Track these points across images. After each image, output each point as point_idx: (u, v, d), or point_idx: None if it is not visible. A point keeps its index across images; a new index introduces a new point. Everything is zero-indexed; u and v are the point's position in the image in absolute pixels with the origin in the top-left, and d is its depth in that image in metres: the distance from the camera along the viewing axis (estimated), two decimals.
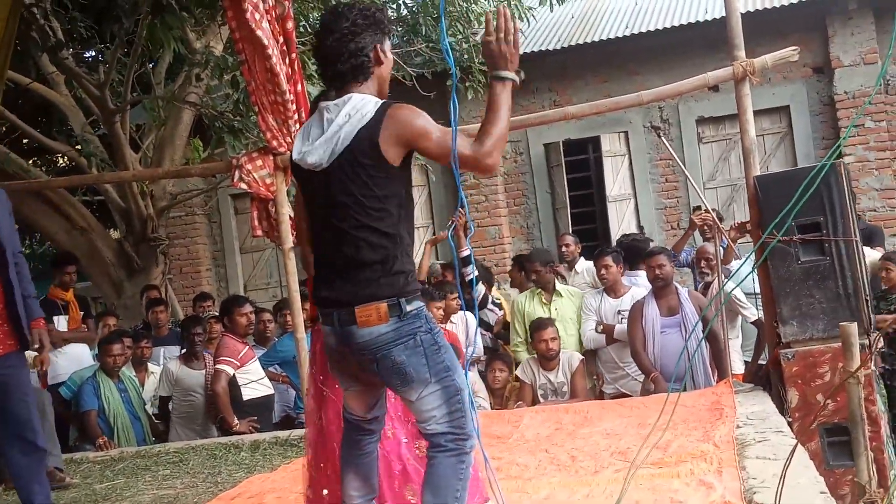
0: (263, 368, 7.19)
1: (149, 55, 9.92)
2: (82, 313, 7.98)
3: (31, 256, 15.57)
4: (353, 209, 2.91)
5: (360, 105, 2.90)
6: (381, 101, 2.93)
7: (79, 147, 10.24)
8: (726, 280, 6.14)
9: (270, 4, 6.06)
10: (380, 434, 3.26)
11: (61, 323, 7.59)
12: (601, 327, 6.85)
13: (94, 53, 10.54)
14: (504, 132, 2.89)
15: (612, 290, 6.92)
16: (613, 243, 10.51)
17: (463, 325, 7.17)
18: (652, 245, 7.81)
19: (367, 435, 3.21)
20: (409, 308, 2.91)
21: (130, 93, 9.32)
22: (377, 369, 2.95)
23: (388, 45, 3.06)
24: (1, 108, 9.50)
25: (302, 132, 3.07)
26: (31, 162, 11.16)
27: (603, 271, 6.90)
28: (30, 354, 6.47)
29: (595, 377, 7.01)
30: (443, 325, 7.15)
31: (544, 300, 7.21)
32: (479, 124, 2.92)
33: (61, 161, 13.24)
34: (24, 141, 11.70)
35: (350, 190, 2.90)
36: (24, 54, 8.86)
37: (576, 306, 7.14)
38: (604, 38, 11.22)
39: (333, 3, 7.58)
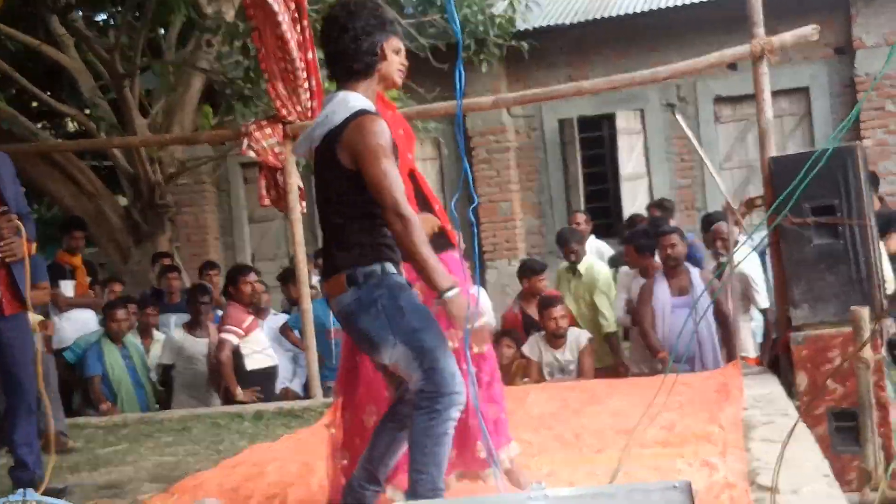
0: (289, 331, 7.24)
1: (160, 20, 9.84)
2: (89, 279, 7.97)
3: (38, 221, 15.53)
4: (324, 194, 3.17)
5: (338, 108, 3.10)
6: (353, 110, 3.06)
7: (88, 111, 10.20)
8: (738, 261, 6.06)
9: None
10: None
11: (68, 288, 7.59)
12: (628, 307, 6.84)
13: (105, 17, 10.48)
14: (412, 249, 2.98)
15: (644, 271, 6.83)
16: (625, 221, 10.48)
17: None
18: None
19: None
20: (366, 275, 3.04)
21: (141, 58, 9.26)
22: (351, 336, 3.21)
23: (394, 42, 3.21)
24: (9, 69, 9.46)
25: None
26: (39, 125, 11.13)
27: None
28: (34, 318, 6.47)
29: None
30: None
31: (568, 276, 7.38)
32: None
33: (70, 125, 13.21)
34: (34, 104, 11.66)
35: (321, 180, 3.17)
36: (34, 15, 8.80)
37: (589, 283, 7.16)
38: (622, 13, 11.06)
39: None
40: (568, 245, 7.33)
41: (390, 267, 3.08)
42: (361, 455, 3.30)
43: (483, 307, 7.33)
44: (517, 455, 3.63)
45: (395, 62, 3.23)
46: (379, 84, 3.22)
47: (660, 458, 3.91)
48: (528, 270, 7.29)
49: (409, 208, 2.98)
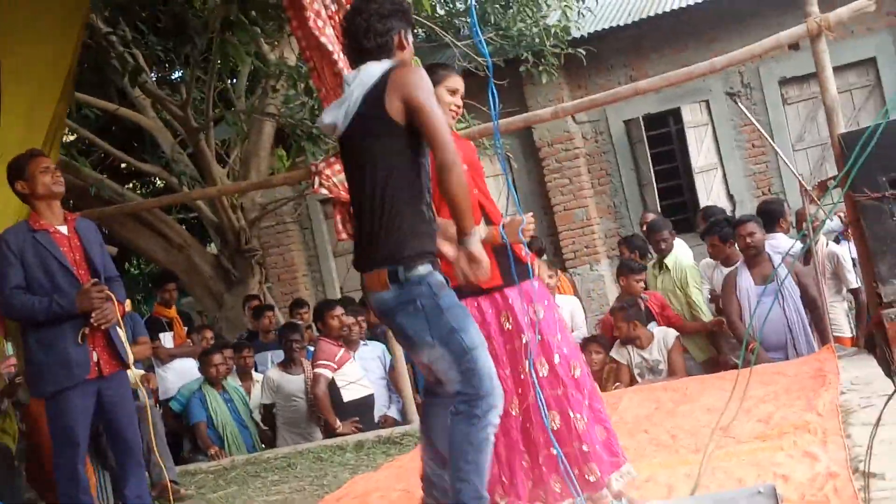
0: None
1: (227, 71, 10.14)
2: (186, 329, 8.22)
3: (138, 277, 16.08)
4: (365, 173, 3.03)
5: (372, 70, 3.04)
6: (390, 65, 3.04)
7: (170, 167, 10.55)
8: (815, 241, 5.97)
9: (333, 10, 6.13)
10: (448, 401, 3.06)
11: (167, 339, 7.83)
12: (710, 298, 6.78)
13: (178, 75, 10.84)
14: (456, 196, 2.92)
15: (725, 260, 6.75)
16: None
17: (568, 308, 7.23)
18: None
19: (433, 397, 3.22)
20: (408, 275, 2.98)
21: (213, 110, 9.52)
22: (391, 331, 3.16)
23: (409, 35, 3.19)
24: (90, 135, 9.86)
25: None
26: (129, 185, 11.53)
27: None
28: (134, 374, 6.73)
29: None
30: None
31: (654, 272, 7.22)
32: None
33: (159, 182, 13.65)
34: (122, 166, 12.09)
35: (363, 152, 3.04)
36: (106, 81, 9.15)
37: (678, 278, 7.03)
38: (675, 7, 10.97)
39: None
40: (659, 233, 7.10)
41: (431, 265, 3.02)
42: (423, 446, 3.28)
43: (578, 321, 7.37)
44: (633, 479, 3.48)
45: (447, 102, 3.36)
46: None
47: (758, 452, 3.84)
48: (626, 269, 7.08)
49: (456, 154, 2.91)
